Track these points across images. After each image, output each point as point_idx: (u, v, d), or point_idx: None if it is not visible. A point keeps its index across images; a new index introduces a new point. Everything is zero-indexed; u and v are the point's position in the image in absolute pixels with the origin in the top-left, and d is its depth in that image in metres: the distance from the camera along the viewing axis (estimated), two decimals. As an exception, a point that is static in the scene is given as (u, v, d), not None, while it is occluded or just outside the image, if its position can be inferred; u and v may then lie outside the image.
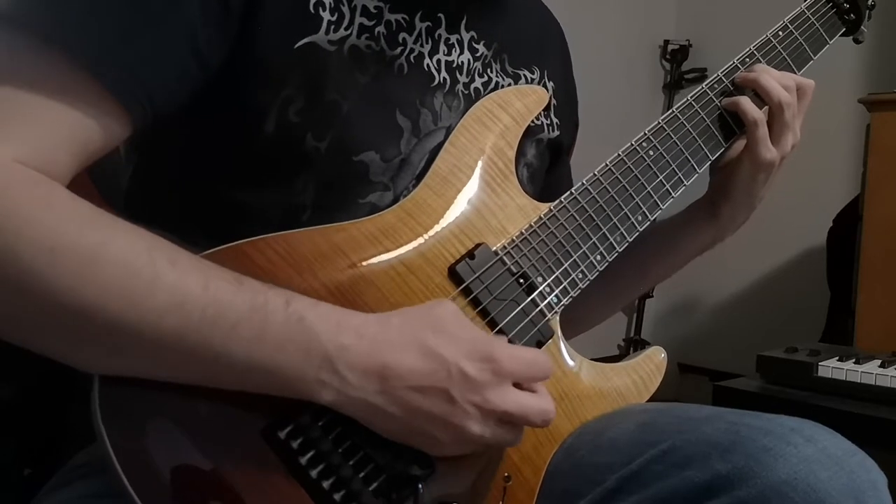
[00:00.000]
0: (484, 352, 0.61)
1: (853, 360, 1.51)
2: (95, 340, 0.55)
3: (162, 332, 0.55)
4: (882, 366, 1.48)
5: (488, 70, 0.81)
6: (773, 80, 0.85)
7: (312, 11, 0.68)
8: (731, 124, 0.86)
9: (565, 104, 0.91)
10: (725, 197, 0.89)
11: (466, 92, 0.78)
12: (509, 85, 0.83)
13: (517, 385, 0.63)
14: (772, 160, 0.85)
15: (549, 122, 0.87)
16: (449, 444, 0.62)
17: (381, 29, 0.72)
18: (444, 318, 0.62)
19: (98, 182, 0.77)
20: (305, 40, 0.67)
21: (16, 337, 0.56)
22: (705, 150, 0.85)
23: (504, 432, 0.63)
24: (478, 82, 0.79)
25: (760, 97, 0.85)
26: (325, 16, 0.68)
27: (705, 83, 0.87)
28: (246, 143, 0.68)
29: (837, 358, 1.54)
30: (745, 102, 0.84)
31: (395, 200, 0.72)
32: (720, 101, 0.86)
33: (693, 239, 0.93)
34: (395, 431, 0.61)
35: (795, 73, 0.91)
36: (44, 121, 0.57)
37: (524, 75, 0.85)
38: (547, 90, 0.87)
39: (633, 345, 2.95)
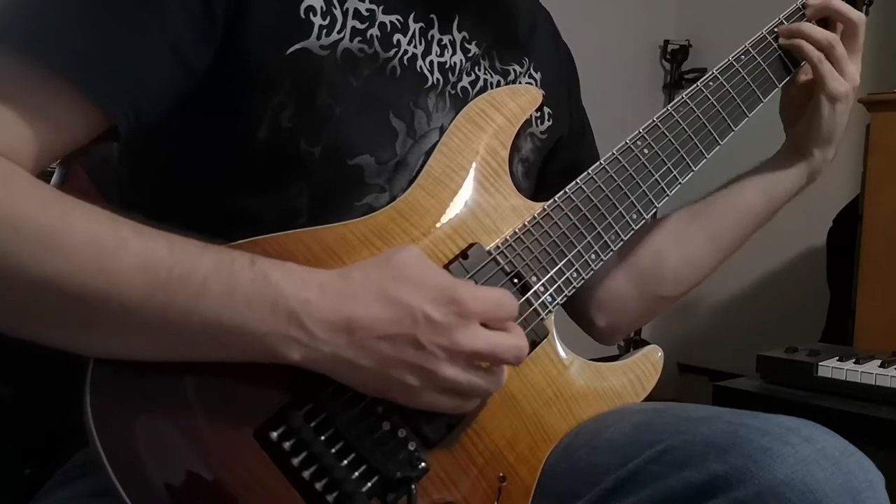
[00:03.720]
0: (448, 295, 0.61)
1: (853, 360, 1.50)
2: (66, 313, 0.55)
3: (130, 295, 0.55)
4: (882, 366, 1.48)
5: (476, 68, 0.81)
6: (810, 28, 0.90)
7: (303, 17, 0.68)
8: (728, 121, 0.86)
9: (557, 92, 0.90)
10: (812, 139, 0.92)
11: (454, 92, 0.78)
12: (498, 82, 0.83)
13: (486, 326, 0.63)
14: (846, 91, 0.89)
15: (538, 114, 0.87)
16: (424, 391, 0.62)
17: (374, 31, 0.72)
18: (405, 264, 0.62)
19: (99, 183, 0.77)
20: (297, 46, 0.67)
21: None
22: (700, 147, 0.85)
23: (478, 377, 0.63)
24: (465, 81, 0.79)
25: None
26: (317, 21, 0.68)
27: (700, 81, 0.87)
28: (239, 148, 0.68)
29: (837, 358, 1.53)
30: (805, 45, 0.89)
31: (392, 202, 0.71)
32: (776, 40, 0.91)
33: (789, 185, 0.95)
34: (371, 384, 0.61)
35: (791, 70, 0.92)
36: (15, 119, 0.58)
37: (513, 70, 0.85)
38: (535, 81, 0.87)
39: (633, 344, 2.94)
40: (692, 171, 0.85)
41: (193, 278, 0.56)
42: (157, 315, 0.56)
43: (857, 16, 0.91)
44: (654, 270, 0.94)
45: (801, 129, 0.93)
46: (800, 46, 0.89)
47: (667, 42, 3.12)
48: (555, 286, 0.75)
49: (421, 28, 0.76)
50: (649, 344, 0.86)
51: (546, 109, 0.88)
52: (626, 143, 0.82)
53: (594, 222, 0.78)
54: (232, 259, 0.58)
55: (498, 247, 0.73)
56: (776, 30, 0.91)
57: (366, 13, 0.71)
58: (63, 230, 0.55)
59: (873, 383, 1.44)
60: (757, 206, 0.94)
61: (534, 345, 0.73)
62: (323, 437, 0.61)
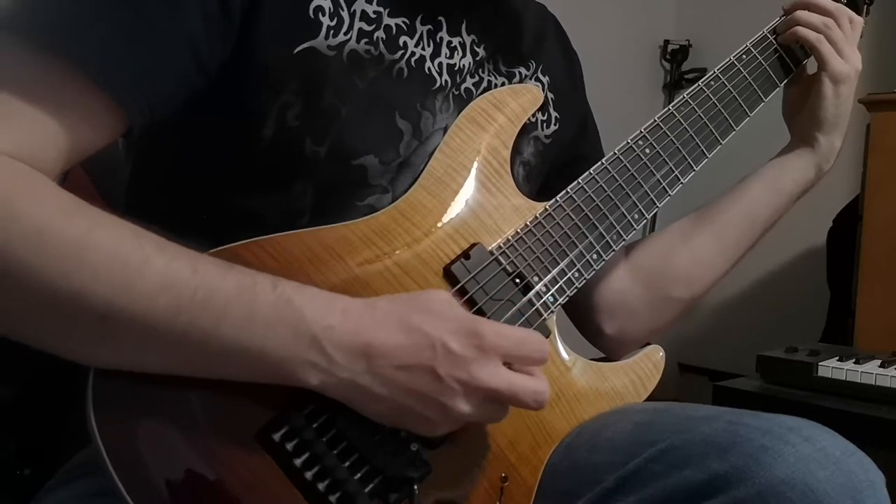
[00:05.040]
0: (469, 328, 0.61)
1: (853, 360, 1.50)
2: (87, 327, 0.55)
3: (153, 314, 0.55)
4: (882, 366, 1.48)
5: (480, 70, 0.81)
6: (805, 14, 0.90)
7: (312, 16, 0.68)
8: (729, 121, 0.87)
9: (565, 96, 0.91)
10: (817, 125, 0.92)
11: (457, 93, 0.78)
12: (502, 83, 0.83)
13: (509, 365, 0.63)
14: (848, 72, 0.89)
15: (544, 118, 0.87)
16: (439, 423, 0.62)
17: (380, 34, 0.72)
18: (431, 300, 0.62)
19: (99, 184, 0.77)
20: (305, 45, 0.67)
21: (8, 328, 0.56)
22: (702, 147, 0.85)
23: (493, 410, 0.63)
24: (469, 82, 0.80)
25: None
26: (325, 21, 0.68)
27: (702, 80, 0.87)
28: (245, 147, 0.68)
29: (837, 358, 1.53)
30: (801, 29, 0.89)
31: (394, 202, 0.71)
32: (776, 39, 0.91)
33: (799, 178, 0.94)
34: (385, 413, 0.61)
35: (792, 69, 0.92)
36: (34, 120, 0.58)
37: (518, 72, 0.85)
38: (542, 83, 0.87)
39: (633, 345, 2.94)
40: (694, 170, 0.85)
41: (216, 301, 0.56)
42: (178, 336, 0.56)
43: (834, 6, 0.91)
44: (662, 270, 0.93)
45: (806, 118, 0.93)
46: (797, 32, 0.89)
47: (667, 42, 3.12)
48: (557, 286, 0.75)
49: (429, 30, 0.76)
50: (650, 344, 0.86)
51: (553, 113, 0.88)
52: (628, 142, 0.82)
53: (596, 222, 0.78)
54: (255, 282, 0.58)
55: (500, 247, 0.73)
56: (777, 28, 0.92)
57: (373, 15, 0.72)
58: (88, 245, 0.55)
59: (873, 383, 1.43)
60: (763, 197, 0.93)
61: (535, 345, 0.73)
62: (325, 438, 0.61)
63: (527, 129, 0.83)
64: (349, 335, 0.59)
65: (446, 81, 0.77)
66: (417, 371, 0.59)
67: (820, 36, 0.89)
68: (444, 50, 0.77)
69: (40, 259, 0.53)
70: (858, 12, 0.99)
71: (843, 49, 0.90)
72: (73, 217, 0.56)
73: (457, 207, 0.73)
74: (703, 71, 2.95)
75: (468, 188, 0.74)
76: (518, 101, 0.80)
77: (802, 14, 0.90)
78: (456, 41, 0.78)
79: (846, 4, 0.97)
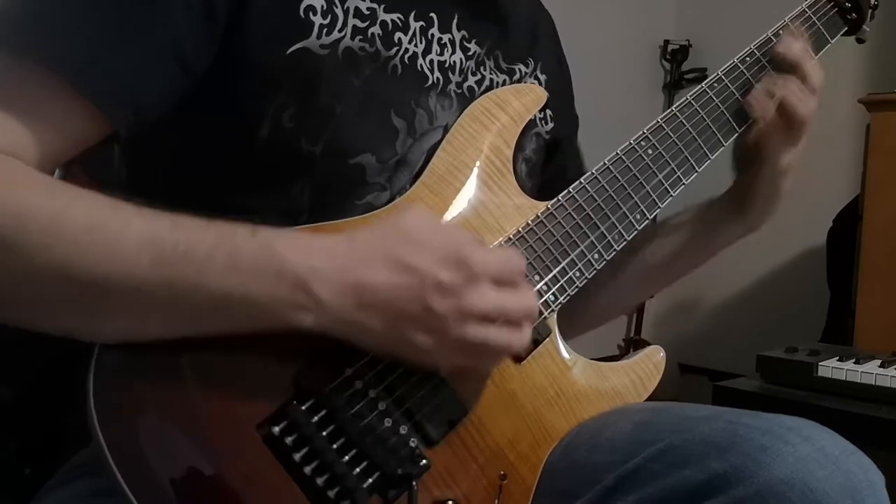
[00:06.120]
0: (456, 256, 0.61)
1: (853, 360, 1.50)
2: (75, 298, 0.56)
3: (136, 273, 0.56)
4: (882, 366, 1.48)
5: (481, 68, 0.81)
6: (795, 93, 0.83)
7: (303, 17, 0.68)
8: (732, 123, 0.86)
9: (558, 96, 0.91)
10: (751, 197, 0.89)
11: (459, 91, 0.78)
12: (503, 81, 0.83)
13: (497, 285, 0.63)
14: (789, 163, 0.86)
15: (541, 115, 0.87)
16: (436, 352, 0.62)
17: (375, 30, 0.72)
18: (411, 228, 0.62)
19: (99, 183, 0.77)
20: (297, 46, 0.67)
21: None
22: (704, 148, 0.85)
23: (491, 335, 0.63)
24: (471, 80, 0.80)
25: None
26: (317, 20, 0.68)
27: (705, 82, 0.86)
28: (241, 147, 0.68)
29: (837, 358, 1.53)
30: (763, 123, 0.83)
31: (392, 200, 0.72)
32: (741, 96, 0.86)
33: (724, 237, 0.92)
34: (383, 345, 0.62)
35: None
36: (19, 124, 0.58)
37: (518, 69, 0.85)
38: (540, 82, 0.87)
39: (633, 345, 2.94)
40: (696, 171, 0.84)
41: (197, 253, 0.57)
42: (164, 291, 0.56)
43: (818, 83, 0.85)
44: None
45: (741, 184, 0.89)
46: (752, 105, 0.84)
47: (667, 42, 3.12)
48: (558, 285, 0.75)
49: (421, 27, 0.76)
50: (650, 344, 0.86)
51: (549, 112, 0.88)
52: (630, 143, 0.82)
53: (597, 222, 0.78)
54: (235, 232, 0.59)
55: (501, 245, 0.73)
56: (781, 33, 0.91)
57: (367, 12, 0.72)
58: (66, 217, 0.55)
59: (873, 383, 1.44)
60: (687, 253, 0.93)
61: (536, 343, 0.73)
62: (325, 433, 0.61)
63: (529, 126, 0.83)
64: (336, 275, 0.59)
65: (438, 79, 0.77)
66: (408, 303, 0.60)
67: (774, 137, 0.84)
68: (435, 47, 0.77)
69: (20, 236, 0.54)
70: (863, 17, 0.98)
71: (800, 137, 0.85)
72: (52, 194, 0.57)
73: (459, 205, 0.73)
74: (703, 71, 2.96)
75: (470, 186, 0.74)
76: (521, 100, 0.80)
77: (791, 94, 0.83)
78: (446, 38, 0.78)
79: (851, 7, 0.97)
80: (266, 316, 0.58)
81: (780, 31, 0.90)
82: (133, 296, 0.56)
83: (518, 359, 0.72)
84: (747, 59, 0.88)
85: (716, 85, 0.87)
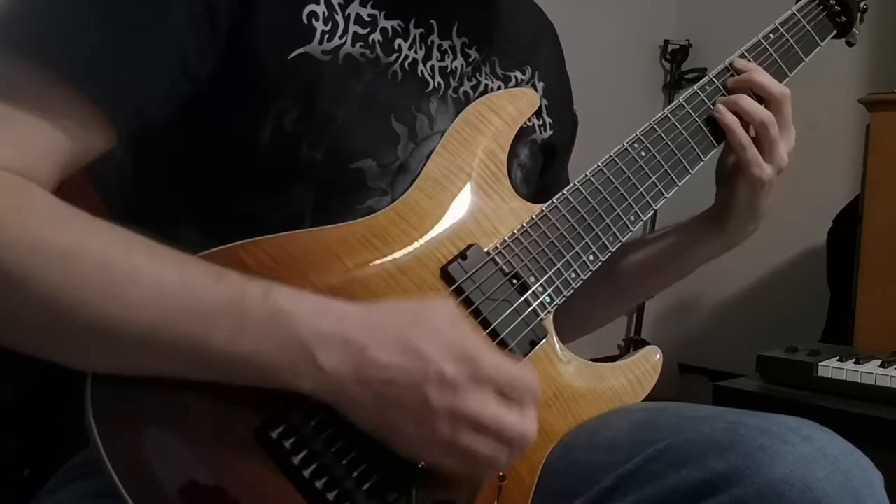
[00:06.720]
0: (467, 354, 0.59)
1: (853, 360, 1.50)
2: (79, 336, 0.56)
3: (142, 325, 0.55)
4: (882, 366, 1.48)
5: (477, 73, 0.81)
6: (749, 104, 0.84)
7: (305, 22, 0.68)
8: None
9: (558, 103, 0.91)
10: (729, 214, 0.88)
11: (455, 96, 0.78)
12: (499, 87, 0.83)
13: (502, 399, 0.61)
14: (768, 178, 0.84)
15: (540, 122, 0.87)
16: (420, 445, 0.60)
17: (375, 36, 0.72)
18: (434, 318, 0.61)
19: (100, 185, 0.77)
20: (299, 51, 0.68)
21: (2, 338, 0.56)
22: (697, 151, 0.85)
23: (480, 446, 0.60)
24: (467, 86, 0.80)
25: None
26: (319, 26, 0.69)
27: (696, 85, 0.87)
28: (243, 152, 0.69)
29: (837, 358, 1.53)
30: (735, 127, 0.83)
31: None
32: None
33: (702, 251, 0.92)
34: (370, 423, 0.60)
35: (787, 74, 0.91)
36: (26, 130, 0.58)
37: (514, 76, 0.85)
38: (537, 90, 0.87)
39: (633, 345, 2.94)
40: (689, 173, 0.85)
41: (205, 313, 0.56)
42: (168, 345, 0.56)
43: (779, 91, 0.85)
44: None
45: (720, 201, 0.89)
46: (728, 126, 0.84)
47: (667, 42, 3.12)
48: (553, 286, 0.75)
49: (421, 34, 0.76)
50: (649, 344, 0.86)
51: (548, 119, 0.88)
52: (624, 145, 0.82)
53: (592, 223, 0.78)
54: (245, 292, 0.57)
55: (496, 247, 0.73)
56: (772, 35, 0.91)
57: (367, 18, 0.72)
58: (78, 256, 0.55)
59: (873, 383, 1.44)
60: (665, 268, 0.93)
61: (533, 345, 0.73)
62: (323, 436, 0.61)
63: (525, 133, 0.83)
64: (341, 344, 0.58)
65: (439, 84, 0.77)
66: (405, 389, 0.58)
67: (748, 141, 0.83)
68: (436, 53, 0.77)
69: (32, 272, 0.54)
70: (852, 19, 0.98)
71: (773, 151, 0.84)
72: (64, 228, 0.56)
73: (454, 209, 0.73)
74: (703, 71, 2.95)
75: (465, 190, 0.74)
76: (515, 104, 0.80)
77: (746, 104, 0.84)
78: (446, 44, 0.78)
79: (840, 10, 0.97)
80: (266, 376, 0.58)
81: (769, 33, 0.90)
82: (134, 343, 0.56)
83: (501, 478, 0.69)
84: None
85: (707, 87, 0.87)
